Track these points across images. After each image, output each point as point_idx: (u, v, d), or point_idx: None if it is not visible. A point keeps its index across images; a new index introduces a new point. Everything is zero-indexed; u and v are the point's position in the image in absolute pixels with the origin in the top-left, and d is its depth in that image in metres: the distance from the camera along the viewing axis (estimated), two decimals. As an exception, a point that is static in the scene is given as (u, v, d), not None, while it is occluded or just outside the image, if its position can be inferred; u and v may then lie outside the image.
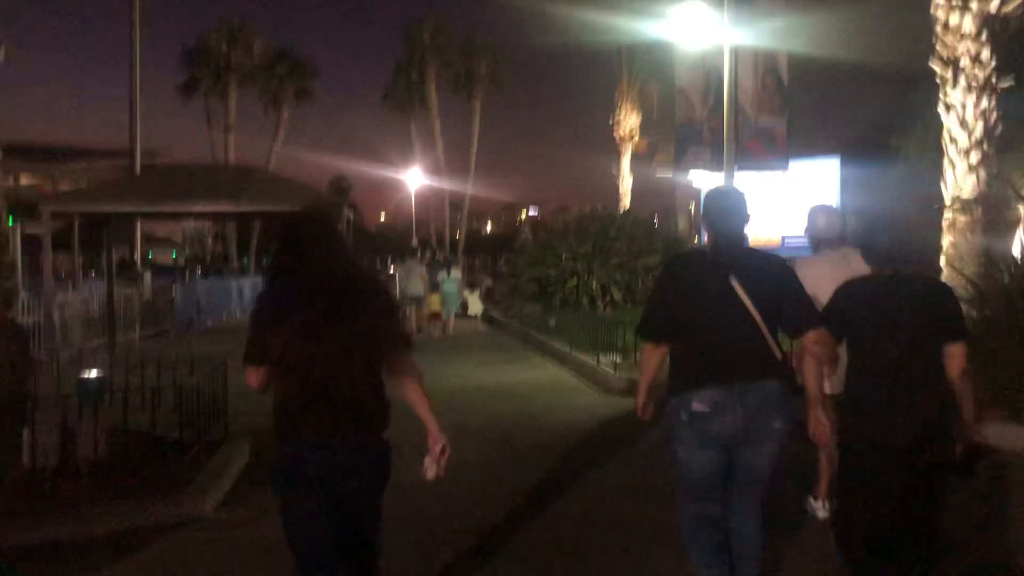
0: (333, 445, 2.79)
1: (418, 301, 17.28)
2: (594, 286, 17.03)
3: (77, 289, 13.86)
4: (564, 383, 10.71)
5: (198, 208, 11.40)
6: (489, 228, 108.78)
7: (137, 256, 24.04)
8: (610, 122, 30.89)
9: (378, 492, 2.98)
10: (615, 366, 10.29)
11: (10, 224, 12.72)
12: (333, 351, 2.77)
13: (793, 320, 3.31)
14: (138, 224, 23.54)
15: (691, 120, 11.82)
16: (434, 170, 46.43)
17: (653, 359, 3.53)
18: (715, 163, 10.98)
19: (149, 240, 39.38)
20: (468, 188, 47.17)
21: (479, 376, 11.29)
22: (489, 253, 70.50)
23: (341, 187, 59.44)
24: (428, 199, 48.86)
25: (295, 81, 42.64)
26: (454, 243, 46.00)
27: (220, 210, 11.46)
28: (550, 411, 8.73)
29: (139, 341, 15.27)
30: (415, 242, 38.15)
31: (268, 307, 2.84)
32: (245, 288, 25.99)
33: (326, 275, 2.83)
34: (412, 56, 45.16)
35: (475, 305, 20.51)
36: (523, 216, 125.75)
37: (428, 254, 26.12)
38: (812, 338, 3.29)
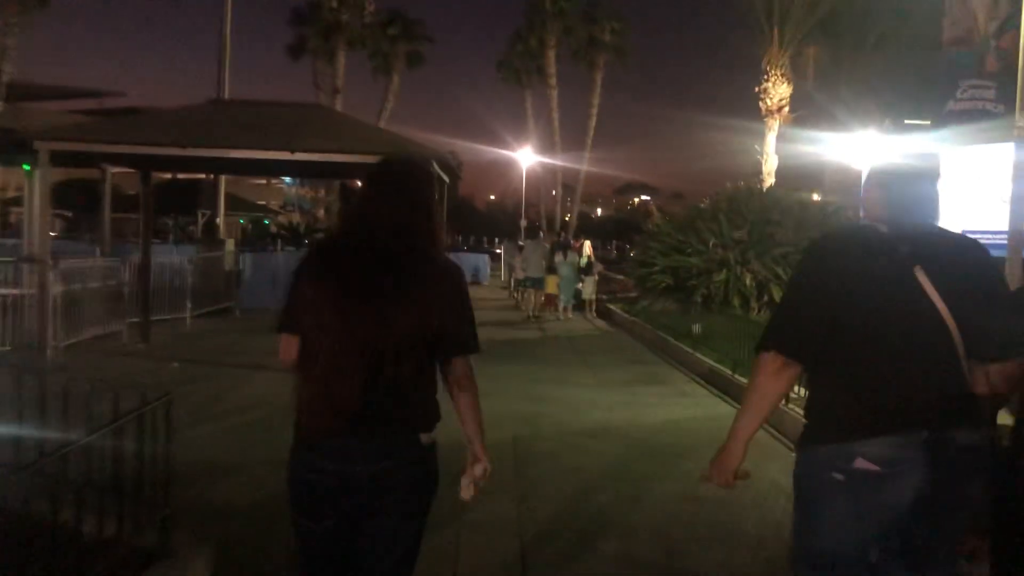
0: (350, 449, 2.24)
1: (538, 283, 16.67)
2: (748, 282, 13.39)
3: (104, 254, 11.36)
4: (735, 430, 7.30)
5: (237, 154, 8.54)
6: (599, 212, 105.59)
7: (220, 220, 21.73)
8: (756, 90, 27.09)
9: (411, 513, 2.36)
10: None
11: (26, 169, 10.24)
12: (369, 332, 2.21)
13: (1003, 338, 2.29)
14: (222, 182, 21.31)
15: (967, 39, 7.86)
16: (548, 145, 43.77)
17: (779, 385, 2.32)
18: (1002, 104, 7.17)
19: (246, 206, 37.67)
20: (583, 165, 44.25)
21: (604, 406, 7.99)
22: (599, 237, 67.57)
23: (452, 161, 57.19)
24: (539, 178, 46.14)
25: (407, 44, 40.30)
26: (564, 225, 43.16)
27: (268, 158, 8.57)
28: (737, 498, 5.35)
29: (189, 321, 12.70)
30: (523, 222, 35.56)
31: (303, 266, 2.35)
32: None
33: (380, 240, 2.28)
34: (532, 21, 42.77)
35: (588, 290, 18.21)
36: (635, 201, 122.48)
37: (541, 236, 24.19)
38: (1012, 369, 2.30)
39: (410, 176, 2.42)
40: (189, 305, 12.72)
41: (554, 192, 46.44)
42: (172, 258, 12.91)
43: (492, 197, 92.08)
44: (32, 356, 8.58)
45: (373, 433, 2.24)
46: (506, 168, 52.45)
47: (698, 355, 10.53)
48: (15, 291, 8.67)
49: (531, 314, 16.54)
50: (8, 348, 8.48)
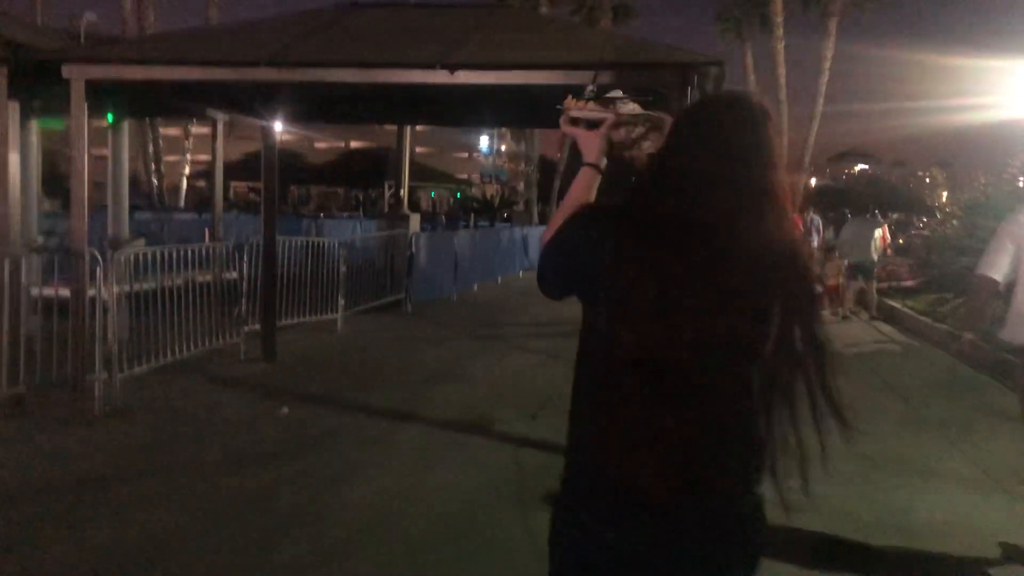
0: (686, 517, 1.41)
1: (868, 272, 12.73)
2: None
3: (215, 237, 8.51)
4: None
5: (360, 77, 5.18)
6: (813, 182, 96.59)
7: (404, 192, 19.03)
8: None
9: None
10: None
11: (110, 121, 7.55)
12: (709, 351, 1.38)
13: None
14: (406, 148, 18.56)
15: None
16: (772, 105, 38.25)
17: None
18: None
19: (441, 178, 35.43)
20: (814, 127, 38.36)
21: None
22: (815, 210, 60.20)
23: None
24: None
25: (613, -4, 36.43)
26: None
27: (414, 81, 5.17)
28: None
29: (341, 323, 9.70)
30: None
31: (603, 237, 1.42)
32: (532, 239, 20.39)
33: (722, 211, 1.41)
34: (757, -34, 37.44)
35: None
36: (853, 170, 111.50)
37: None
38: None
39: (762, 121, 1.53)
40: (341, 302, 9.72)
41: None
42: (325, 238, 10.02)
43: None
44: (64, 398, 5.70)
45: (718, 491, 1.43)
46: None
47: None
48: (54, 290, 5.81)
49: (846, 314, 12.68)
50: (21, 389, 5.57)
